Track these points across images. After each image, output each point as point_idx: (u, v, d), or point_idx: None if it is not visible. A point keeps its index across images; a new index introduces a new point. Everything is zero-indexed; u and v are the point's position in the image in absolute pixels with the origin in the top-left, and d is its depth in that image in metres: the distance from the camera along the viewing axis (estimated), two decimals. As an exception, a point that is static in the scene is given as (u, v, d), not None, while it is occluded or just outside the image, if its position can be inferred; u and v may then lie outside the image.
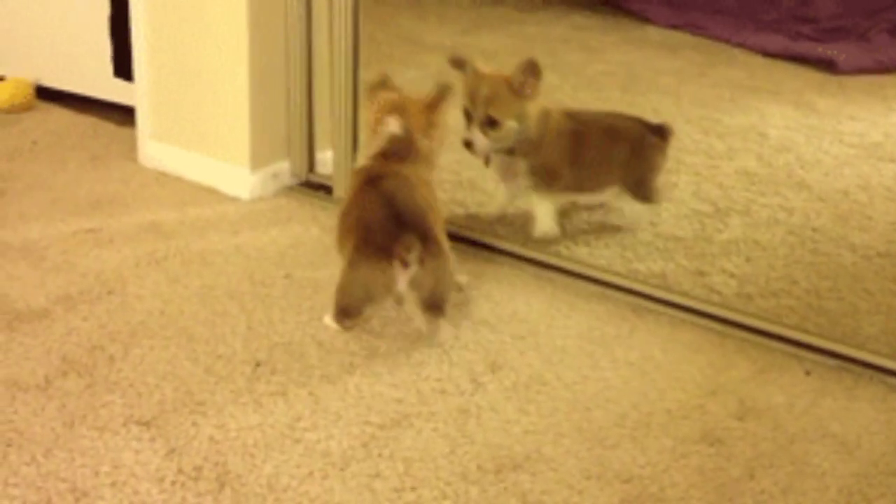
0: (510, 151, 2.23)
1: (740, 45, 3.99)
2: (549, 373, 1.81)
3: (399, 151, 1.96)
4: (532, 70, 2.14)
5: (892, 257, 2.28)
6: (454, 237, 2.17)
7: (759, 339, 1.94)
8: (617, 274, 2.12)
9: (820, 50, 3.76)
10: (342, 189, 2.42)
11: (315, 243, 2.24)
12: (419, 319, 1.86)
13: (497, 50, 3.84)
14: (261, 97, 2.40)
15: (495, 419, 1.68)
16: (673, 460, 1.60)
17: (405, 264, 1.76)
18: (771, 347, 1.92)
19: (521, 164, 2.24)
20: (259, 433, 1.61)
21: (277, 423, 1.63)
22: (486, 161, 2.28)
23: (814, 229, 2.41)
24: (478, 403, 1.72)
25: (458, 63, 2.22)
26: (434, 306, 1.83)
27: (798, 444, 1.65)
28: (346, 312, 1.85)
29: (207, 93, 2.44)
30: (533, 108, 2.18)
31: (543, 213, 2.29)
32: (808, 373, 1.85)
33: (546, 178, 2.26)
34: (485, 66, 2.21)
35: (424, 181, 1.97)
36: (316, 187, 2.50)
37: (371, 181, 1.89)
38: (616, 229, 2.37)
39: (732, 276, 2.17)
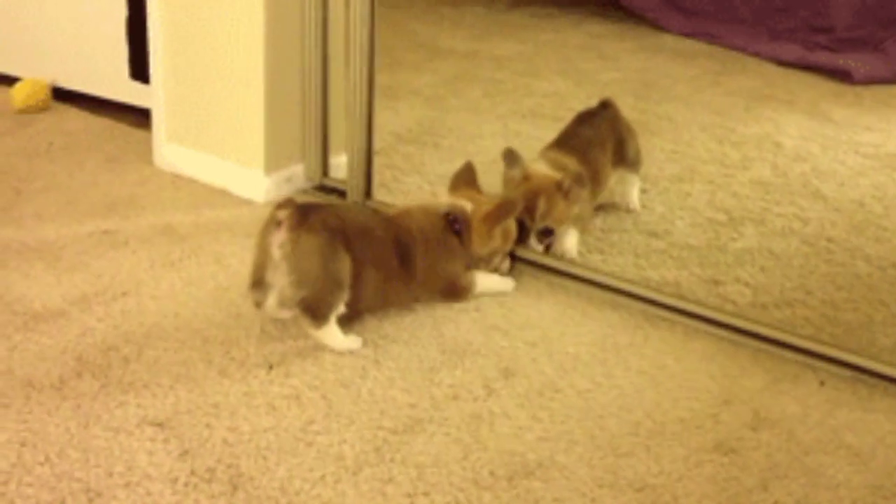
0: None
1: (755, 54, 3.98)
2: (562, 380, 1.81)
3: (457, 220, 2.01)
4: (580, 181, 2.21)
5: (907, 269, 2.28)
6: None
7: (773, 349, 1.93)
8: (630, 282, 2.12)
9: (841, 62, 3.75)
10: (356, 193, 2.43)
11: (329, 247, 2.24)
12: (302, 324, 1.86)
13: (512, 56, 3.84)
14: (276, 101, 2.41)
15: (508, 426, 1.68)
16: (686, 470, 1.60)
17: (278, 224, 1.78)
18: (785, 358, 1.91)
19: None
20: (272, 436, 1.61)
21: (290, 426, 1.64)
22: None
23: (829, 239, 2.40)
24: (491, 409, 1.72)
25: (512, 159, 2.23)
26: (304, 305, 1.80)
27: (812, 455, 1.64)
28: (252, 282, 1.84)
29: (223, 96, 2.45)
30: (576, 206, 2.24)
31: (571, 236, 2.27)
32: (822, 383, 1.84)
33: (587, 219, 2.32)
34: (534, 166, 2.23)
35: (452, 251, 2.00)
36: (330, 191, 2.50)
37: (381, 214, 2.02)
38: (630, 237, 2.36)
39: (747, 285, 2.16)
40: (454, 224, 2.01)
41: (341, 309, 1.84)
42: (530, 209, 2.18)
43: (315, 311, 1.80)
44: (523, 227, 2.21)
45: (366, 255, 1.86)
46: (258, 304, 1.84)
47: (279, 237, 1.78)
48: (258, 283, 1.82)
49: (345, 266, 1.81)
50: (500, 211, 2.04)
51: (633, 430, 1.68)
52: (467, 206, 2.03)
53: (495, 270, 2.11)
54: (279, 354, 1.83)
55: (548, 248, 2.23)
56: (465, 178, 2.13)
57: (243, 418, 1.65)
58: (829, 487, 1.57)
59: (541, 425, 1.68)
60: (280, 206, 1.80)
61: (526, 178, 2.21)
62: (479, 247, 2.04)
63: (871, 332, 2.01)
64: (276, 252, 1.78)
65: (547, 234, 2.21)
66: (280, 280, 1.78)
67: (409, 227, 1.97)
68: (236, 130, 2.45)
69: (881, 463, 1.63)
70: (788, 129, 3.16)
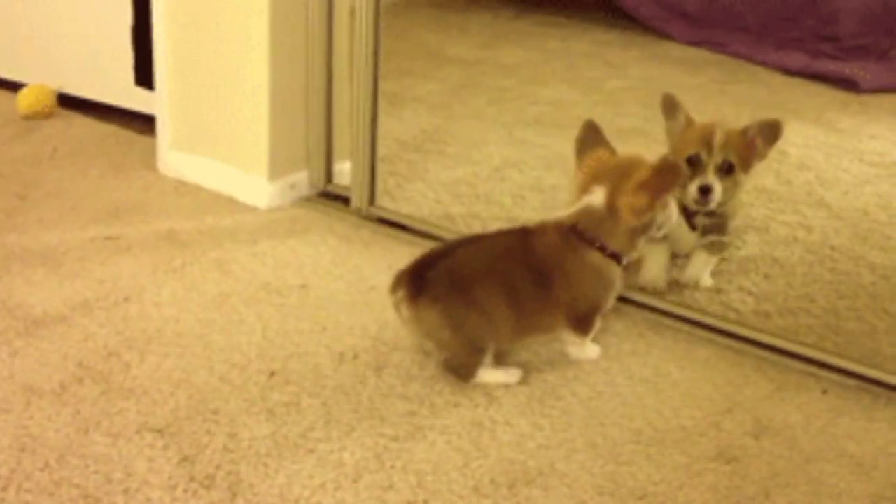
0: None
1: (761, 64, 3.97)
2: (564, 388, 1.80)
3: (589, 228, 1.77)
4: (773, 131, 1.99)
5: (912, 277, 2.27)
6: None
7: (776, 357, 1.93)
8: (633, 290, 2.11)
9: (847, 71, 3.74)
10: (359, 199, 2.43)
11: (331, 253, 2.24)
12: None
13: (518, 64, 3.85)
14: (280, 108, 2.42)
15: (509, 433, 1.67)
16: (687, 478, 1.59)
17: (397, 305, 1.76)
18: (788, 366, 1.90)
19: (723, 225, 2.07)
20: (272, 443, 1.61)
21: (290, 433, 1.63)
22: (692, 224, 2.07)
23: (832, 248, 2.39)
24: (492, 417, 1.71)
25: (671, 106, 2.04)
26: (447, 365, 1.77)
27: (814, 463, 1.64)
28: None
29: (227, 103, 2.45)
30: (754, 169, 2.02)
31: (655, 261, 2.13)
32: (825, 392, 1.83)
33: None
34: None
35: (591, 269, 1.77)
36: (333, 198, 2.50)
37: (516, 233, 1.81)
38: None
39: (750, 293, 2.15)
40: (585, 236, 1.76)
41: (488, 359, 1.77)
42: (706, 141, 1.94)
43: (458, 372, 1.77)
44: (700, 166, 1.95)
45: (495, 293, 1.73)
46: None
47: (403, 315, 1.75)
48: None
49: (476, 323, 1.73)
50: (661, 177, 1.71)
51: (635, 437, 1.68)
52: (597, 198, 1.75)
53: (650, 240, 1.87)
54: (280, 361, 1.83)
55: (705, 194, 1.95)
56: (592, 141, 1.82)
57: (243, 425, 1.64)
58: (831, 496, 1.56)
59: (542, 433, 1.68)
60: (393, 286, 1.75)
61: (690, 123, 2.01)
62: (633, 219, 1.74)
63: (875, 341, 2.00)
64: (408, 326, 1.78)
65: (728, 170, 1.95)
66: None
67: (542, 248, 1.77)
68: (240, 137, 2.46)
69: (883, 472, 1.62)
70: (793, 137, 3.15)
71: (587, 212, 1.77)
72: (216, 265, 2.16)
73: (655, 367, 1.88)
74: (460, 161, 2.82)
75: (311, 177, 2.52)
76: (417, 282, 1.72)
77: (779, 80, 3.82)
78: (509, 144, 2.97)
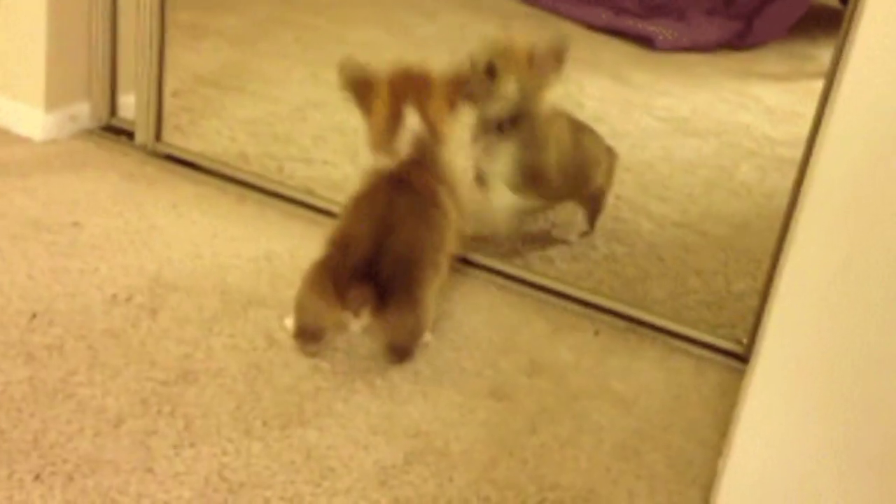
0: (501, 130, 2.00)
1: (568, 17, 4.07)
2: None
3: (423, 157, 1.74)
4: (559, 55, 1.99)
5: (685, 227, 2.40)
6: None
7: (556, 300, 1.99)
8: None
9: (640, 26, 3.89)
10: (145, 135, 2.31)
11: (111, 190, 2.12)
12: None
13: (328, 3, 3.76)
14: (59, 32, 2.24)
15: (287, 376, 1.65)
16: (460, 416, 1.63)
17: (357, 314, 1.62)
18: (566, 308, 1.98)
19: (512, 156, 2.01)
20: (28, 387, 1.51)
21: (50, 377, 1.54)
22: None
23: (618, 197, 2.48)
24: (271, 360, 1.68)
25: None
26: (395, 352, 1.72)
27: (580, 400, 1.71)
28: (304, 335, 1.69)
29: (-3, 24, 2.26)
30: (542, 96, 2.01)
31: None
32: (597, 333, 1.91)
33: (532, 182, 2.06)
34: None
35: (448, 193, 1.75)
36: (117, 132, 2.37)
37: (393, 184, 1.70)
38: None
39: (536, 240, 2.21)
40: (413, 185, 1.71)
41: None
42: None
43: (408, 353, 1.72)
44: None
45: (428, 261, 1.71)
46: (311, 354, 1.71)
47: (359, 323, 1.63)
48: (313, 338, 1.70)
49: (431, 303, 1.70)
50: (461, 75, 1.82)
51: (413, 378, 1.70)
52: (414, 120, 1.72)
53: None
54: (45, 302, 1.72)
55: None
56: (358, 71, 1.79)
57: (-3, 369, 1.54)
58: (593, 431, 1.64)
59: (320, 374, 1.67)
60: (355, 298, 1.59)
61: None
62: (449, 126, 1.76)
63: (647, 285, 2.10)
64: (357, 329, 1.66)
65: (491, 72, 1.95)
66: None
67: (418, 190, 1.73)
68: (13, 63, 2.27)
69: (642, 408, 1.72)
70: (591, 90, 3.26)
71: (417, 142, 1.74)
72: (-20, 200, 2.00)
73: (438, 311, 1.90)
74: (260, 99, 2.73)
75: (93, 109, 2.36)
76: (369, 288, 1.59)
77: (583, 34, 3.92)
78: (313, 85, 2.91)
